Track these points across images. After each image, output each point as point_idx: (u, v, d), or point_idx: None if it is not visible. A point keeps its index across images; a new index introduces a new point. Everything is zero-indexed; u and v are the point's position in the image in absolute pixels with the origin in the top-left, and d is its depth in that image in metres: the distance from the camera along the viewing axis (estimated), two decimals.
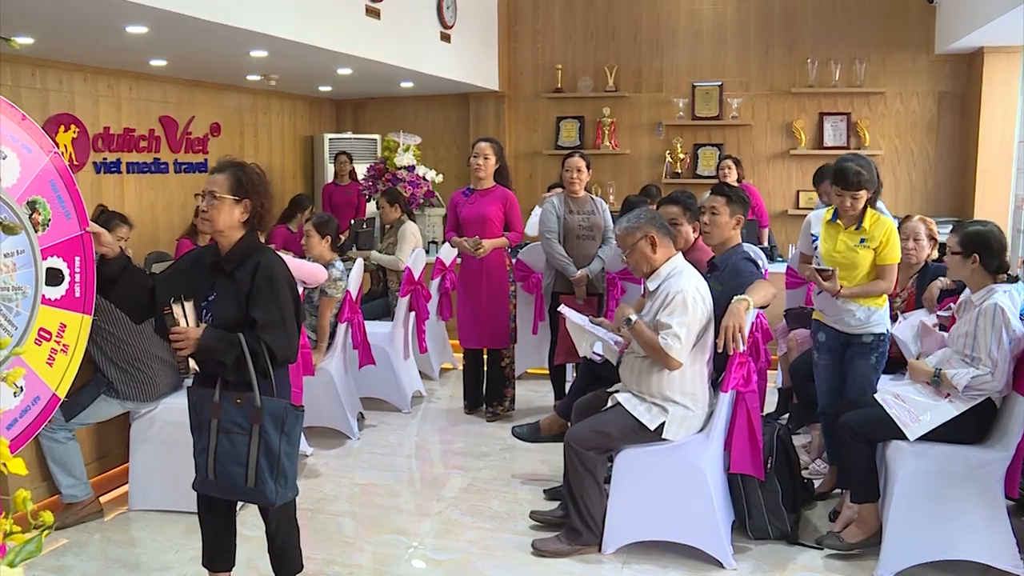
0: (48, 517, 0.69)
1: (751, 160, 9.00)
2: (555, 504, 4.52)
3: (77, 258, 3.40)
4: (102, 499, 4.70)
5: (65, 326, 3.32)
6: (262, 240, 3.39)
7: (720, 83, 9.16)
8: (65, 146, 6.87)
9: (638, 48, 9.45)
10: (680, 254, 4.09)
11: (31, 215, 3.17)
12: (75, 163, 7.00)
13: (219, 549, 3.44)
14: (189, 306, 3.10)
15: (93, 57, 6.77)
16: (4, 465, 0.64)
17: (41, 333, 3.25)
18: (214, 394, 3.14)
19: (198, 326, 3.10)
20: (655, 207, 4.97)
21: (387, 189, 7.63)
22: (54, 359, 3.31)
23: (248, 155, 8.86)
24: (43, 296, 3.21)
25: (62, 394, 3.43)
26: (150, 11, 4.70)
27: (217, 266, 3.22)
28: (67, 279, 3.30)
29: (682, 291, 3.84)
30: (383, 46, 7.00)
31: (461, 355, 6.51)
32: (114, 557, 4.19)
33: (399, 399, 6.43)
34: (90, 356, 4.26)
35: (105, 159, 7.40)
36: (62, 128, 6.89)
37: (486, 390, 6.28)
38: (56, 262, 3.26)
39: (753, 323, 3.93)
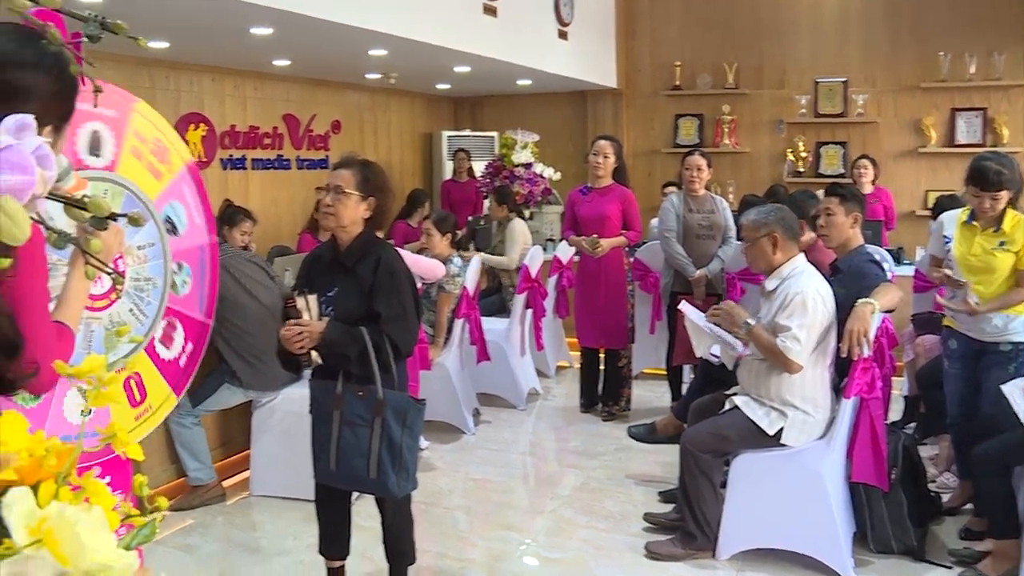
0: (163, 503, 0.71)
1: (877, 159, 8.70)
2: (670, 506, 4.46)
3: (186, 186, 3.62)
4: (225, 483, 4.87)
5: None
6: (381, 236, 3.45)
7: (845, 79, 8.88)
8: (194, 144, 7.12)
9: (759, 44, 9.23)
10: (802, 255, 3.98)
11: None
12: (203, 160, 7.24)
13: (335, 538, 3.50)
14: (312, 300, 3.19)
15: (221, 58, 7.00)
16: (123, 451, 0.66)
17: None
18: (336, 386, 3.20)
19: (320, 320, 3.17)
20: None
21: (496, 187, 7.66)
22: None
23: (368, 152, 9.02)
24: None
25: (209, 319, 3.72)
26: (274, 13, 4.83)
27: (336, 262, 3.29)
28: (184, 219, 3.54)
29: (802, 292, 3.74)
30: (500, 44, 7.03)
31: (578, 353, 6.49)
32: (236, 540, 4.33)
33: (515, 396, 6.45)
34: (214, 346, 4.40)
35: (231, 156, 7.64)
36: (192, 127, 7.15)
37: (602, 389, 6.25)
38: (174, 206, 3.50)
39: (878, 327, 3.80)
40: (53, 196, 0.91)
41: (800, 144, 9.03)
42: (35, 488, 0.58)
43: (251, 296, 4.64)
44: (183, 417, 4.53)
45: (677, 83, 9.53)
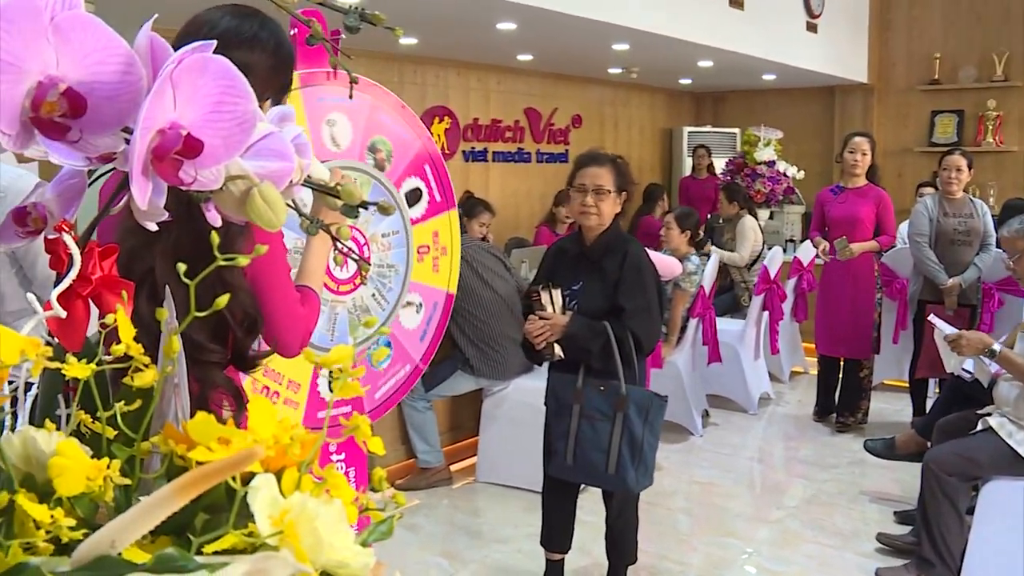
0: (401, 499, 0.72)
1: None
2: (906, 529, 4.20)
3: (427, 165, 3.72)
4: (452, 468, 5.00)
5: (438, 232, 3.74)
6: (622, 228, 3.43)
7: None
8: (439, 136, 7.38)
9: None
10: None
11: (375, 155, 3.51)
12: (447, 152, 7.49)
13: (558, 530, 3.51)
14: (556, 293, 3.21)
15: (466, 53, 7.22)
16: (364, 443, 0.68)
17: (420, 249, 3.71)
18: (577, 380, 3.21)
19: (564, 313, 3.20)
20: None
21: (725, 184, 7.47)
22: (438, 264, 3.76)
23: (607, 147, 9.00)
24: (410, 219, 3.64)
25: (453, 289, 3.89)
26: (520, 8, 4.93)
27: (582, 256, 3.29)
28: (425, 194, 3.67)
29: None
30: (746, 38, 6.85)
31: (814, 359, 6.24)
32: (459, 523, 4.46)
33: (746, 399, 6.28)
34: (450, 333, 4.54)
35: (473, 148, 7.87)
36: (436, 119, 7.42)
37: (839, 399, 5.97)
38: (414, 182, 3.63)
39: None
40: (308, 183, 0.95)
41: None
42: (278, 476, 0.60)
43: (487, 286, 4.75)
44: (416, 401, 4.70)
45: (935, 77, 8.93)
